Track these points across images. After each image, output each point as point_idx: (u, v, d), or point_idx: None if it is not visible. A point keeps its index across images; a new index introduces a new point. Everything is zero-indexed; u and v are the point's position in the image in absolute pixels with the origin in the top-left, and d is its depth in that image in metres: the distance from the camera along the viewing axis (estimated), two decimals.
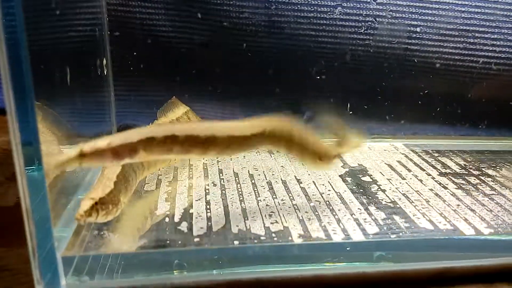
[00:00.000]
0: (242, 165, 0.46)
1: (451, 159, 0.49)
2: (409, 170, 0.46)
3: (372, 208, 0.37)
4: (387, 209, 0.37)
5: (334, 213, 0.36)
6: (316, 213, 0.36)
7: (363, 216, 0.36)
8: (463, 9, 0.55)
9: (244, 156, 0.48)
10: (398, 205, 0.38)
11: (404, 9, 0.55)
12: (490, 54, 0.56)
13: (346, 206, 0.37)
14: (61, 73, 0.40)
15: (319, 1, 0.51)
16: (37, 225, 0.28)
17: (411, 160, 0.49)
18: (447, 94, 0.57)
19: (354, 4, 0.53)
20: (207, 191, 0.40)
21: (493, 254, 0.33)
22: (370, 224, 0.35)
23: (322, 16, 0.52)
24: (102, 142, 0.29)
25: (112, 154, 0.30)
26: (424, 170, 0.46)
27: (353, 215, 0.36)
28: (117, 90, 0.47)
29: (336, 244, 0.32)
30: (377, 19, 0.53)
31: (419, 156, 0.50)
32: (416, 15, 0.54)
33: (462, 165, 0.47)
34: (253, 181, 0.42)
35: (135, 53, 0.49)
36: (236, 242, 0.32)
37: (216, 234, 0.33)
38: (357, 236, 0.33)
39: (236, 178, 0.43)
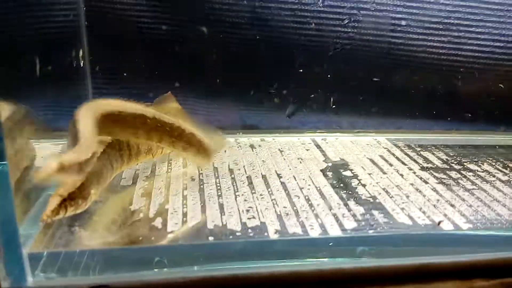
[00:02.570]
0: (222, 160, 0.45)
1: (434, 154, 0.48)
2: (391, 165, 0.45)
3: (351, 203, 0.37)
4: (366, 204, 0.37)
5: (312, 208, 0.36)
6: (295, 208, 0.35)
7: (342, 211, 0.35)
8: (448, 2, 0.55)
9: (225, 151, 0.48)
10: (377, 200, 0.37)
11: (389, 2, 0.55)
12: (475, 48, 0.57)
13: (325, 201, 0.37)
14: (33, 65, 0.39)
15: None
16: (2, 222, 0.27)
17: (393, 154, 0.48)
18: (432, 88, 0.57)
19: None
20: (185, 186, 0.39)
21: (472, 249, 0.33)
22: (348, 219, 0.34)
23: (305, 8, 0.52)
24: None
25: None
26: (405, 164, 0.45)
27: (331, 210, 0.35)
28: (95, 82, 0.47)
29: (313, 240, 0.32)
30: (361, 11, 0.53)
31: (402, 150, 0.49)
32: (401, 8, 0.54)
33: (444, 159, 0.47)
34: (232, 176, 0.41)
35: (114, 45, 0.48)
36: (211, 238, 0.31)
37: (191, 230, 0.33)
38: (334, 231, 0.32)
39: (216, 173, 0.42)
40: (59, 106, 0.43)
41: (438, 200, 0.38)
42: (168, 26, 0.50)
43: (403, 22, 0.54)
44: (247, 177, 0.41)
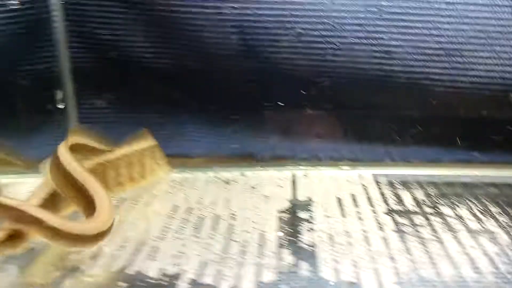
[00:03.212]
0: (188, 197, 0.45)
1: (412, 193, 0.45)
2: (357, 206, 0.43)
3: (285, 252, 0.35)
4: (300, 254, 0.35)
5: (242, 257, 0.35)
6: (224, 256, 0.35)
7: (269, 260, 0.34)
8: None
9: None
10: (315, 249, 0.35)
11: (384, 30, 0.51)
12: (483, 74, 0.51)
13: (260, 248, 0.36)
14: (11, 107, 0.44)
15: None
16: None
17: (367, 193, 0.45)
18: (438, 116, 0.53)
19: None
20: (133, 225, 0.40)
21: None
22: (269, 270, 0.33)
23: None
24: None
25: None
26: (372, 206, 0.42)
27: (260, 259, 0.35)
28: (82, 123, 0.51)
29: None
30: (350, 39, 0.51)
31: (379, 188, 0.46)
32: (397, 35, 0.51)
33: (420, 200, 0.43)
34: (183, 218, 0.41)
35: (100, 86, 0.52)
36: (123, 284, 0.33)
37: (114, 273, 0.33)
38: (246, 284, 0.32)
39: (174, 212, 0.42)
40: (40, 146, 0.47)
41: (380, 252, 0.35)
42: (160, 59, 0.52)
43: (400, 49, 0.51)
44: (199, 217, 0.41)
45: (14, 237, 0.33)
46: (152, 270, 0.34)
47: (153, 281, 0.32)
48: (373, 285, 0.31)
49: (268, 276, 0.32)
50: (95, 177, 0.39)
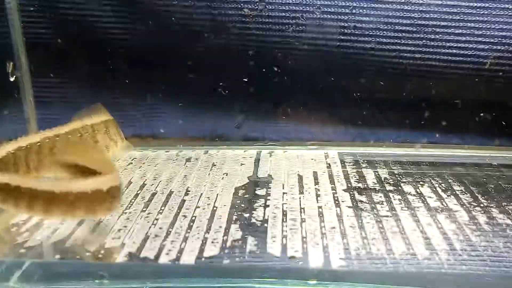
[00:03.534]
0: (144, 173, 0.43)
1: (375, 171, 0.43)
2: (317, 183, 0.41)
3: (234, 227, 0.34)
4: (249, 229, 0.33)
5: (189, 231, 0.33)
6: (170, 230, 0.34)
7: (216, 235, 0.32)
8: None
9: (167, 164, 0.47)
10: (265, 225, 0.34)
11: (353, 4, 0.49)
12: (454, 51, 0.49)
13: (209, 223, 0.34)
14: None
15: None
16: None
17: (330, 171, 0.44)
18: (409, 97, 0.51)
19: None
20: None
21: None
22: (214, 245, 0.31)
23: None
24: None
25: None
26: (333, 183, 0.41)
27: (206, 234, 0.33)
28: (37, 94, 0.48)
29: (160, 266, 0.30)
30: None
31: (344, 166, 0.45)
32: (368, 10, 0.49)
33: (382, 178, 0.41)
34: (138, 192, 0.39)
35: (55, 55, 0.49)
36: (57, 256, 0.31)
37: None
38: (187, 257, 0.30)
39: (126, 188, 0.40)
40: None
41: (333, 227, 0.33)
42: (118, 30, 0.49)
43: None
44: (152, 193, 0.40)
45: None
46: (91, 243, 0.32)
47: (89, 254, 0.31)
48: (319, 260, 0.29)
49: (211, 250, 0.31)
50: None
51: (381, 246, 0.31)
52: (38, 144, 0.39)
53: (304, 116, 0.51)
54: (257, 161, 0.47)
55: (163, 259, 0.30)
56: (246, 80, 0.49)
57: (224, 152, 0.50)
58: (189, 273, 0.29)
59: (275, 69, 0.50)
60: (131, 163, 0.46)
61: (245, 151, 0.50)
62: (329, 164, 0.46)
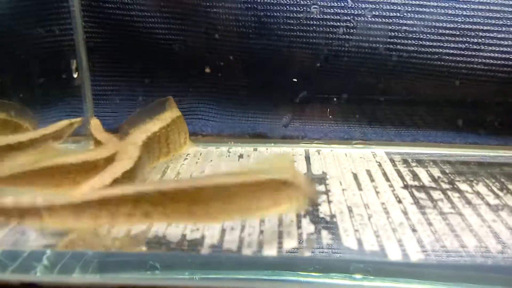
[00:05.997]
0: (192, 168, 0.44)
1: (427, 170, 0.44)
2: (372, 181, 0.42)
3: (305, 221, 0.35)
4: (320, 223, 0.35)
5: (261, 224, 0.35)
6: (243, 224, 0.35)
7: (289, 229, 0.34)
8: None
9: (211, 160, 0.47)
10: (334, 220, 0.35)
11: (399, 8, 0.51)
12: (496, 55, 0.51)
13: (279, 217, 0.36)
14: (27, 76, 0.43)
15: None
16: None
17: (382, 169, 0.45)
18: (452, 99, 0.53)
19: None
20: None
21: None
22: (291, 238, 0.33)
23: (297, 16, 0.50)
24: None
25: None
26: (389, 181, 0.42)
27: (279, 227, 0.34)
28: (95, 91, 0.50)
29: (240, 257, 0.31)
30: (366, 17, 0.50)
31: (394, 165, 0.46)
32: (413, 14, 0.50)
33: (436, 177, 0.43)
34: None
35: (114, 54, 0.50)
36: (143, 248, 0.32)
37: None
38: (269, 250, 0.32)
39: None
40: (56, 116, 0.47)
41: (401, 223, 0.35)
42: (167, 31, 0.51)
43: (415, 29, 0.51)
44: None
45: None
46: (170, 236, 0.33)
47: (173, 245, 0.32)
48: (397, 253, 0.31)
49: (290, 243, 0.32)
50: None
51: (453, 240, 0.32)
52: None
53: (350, 116, 0.53)
54: (307, 158, 0.49)
55: (245, 251, 0.31)
56: (295, 80, 0.51)
57: (272, 150, 0.51)
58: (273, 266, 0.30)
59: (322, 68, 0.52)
60: (187, 158, 0.48)
61: (292, 149, 0.52)
62: (379, 162, 0.47)
